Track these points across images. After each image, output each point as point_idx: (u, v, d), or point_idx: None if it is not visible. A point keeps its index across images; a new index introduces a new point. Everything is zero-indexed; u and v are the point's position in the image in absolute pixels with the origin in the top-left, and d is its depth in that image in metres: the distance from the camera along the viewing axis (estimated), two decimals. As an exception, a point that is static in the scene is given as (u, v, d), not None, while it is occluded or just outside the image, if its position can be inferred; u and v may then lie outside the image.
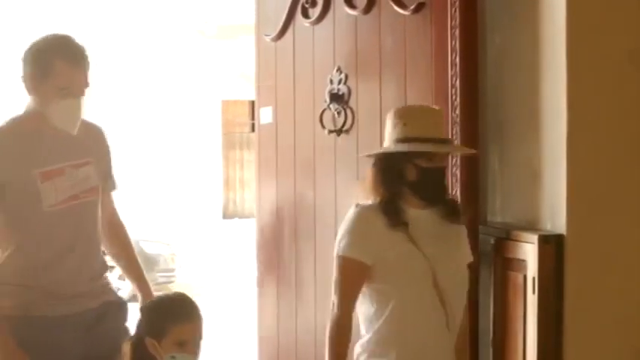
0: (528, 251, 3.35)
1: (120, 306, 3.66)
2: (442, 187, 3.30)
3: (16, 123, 3.51)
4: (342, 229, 3.23)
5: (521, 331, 3.43)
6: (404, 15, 3.98)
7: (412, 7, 3.93)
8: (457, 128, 3.65)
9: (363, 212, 3.23)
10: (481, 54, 3.76)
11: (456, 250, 3.30)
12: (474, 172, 3.68)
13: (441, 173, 3.27)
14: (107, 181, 3.73)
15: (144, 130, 15.69)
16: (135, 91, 15.66)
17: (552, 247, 3.30)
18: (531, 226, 3.49)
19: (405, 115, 3.26)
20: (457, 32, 3.67)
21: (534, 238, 3.32)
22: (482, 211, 3.73)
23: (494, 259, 3.61)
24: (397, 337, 3.18)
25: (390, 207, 3.20)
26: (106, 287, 3.67)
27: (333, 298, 3.22)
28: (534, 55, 3.56)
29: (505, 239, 3.55)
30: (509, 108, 3.73)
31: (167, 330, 3.09)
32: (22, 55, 3.50)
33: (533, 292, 3.32)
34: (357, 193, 3.36)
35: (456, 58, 3.67)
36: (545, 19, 3.51)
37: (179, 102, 16.08)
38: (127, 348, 3.18)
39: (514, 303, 3.49)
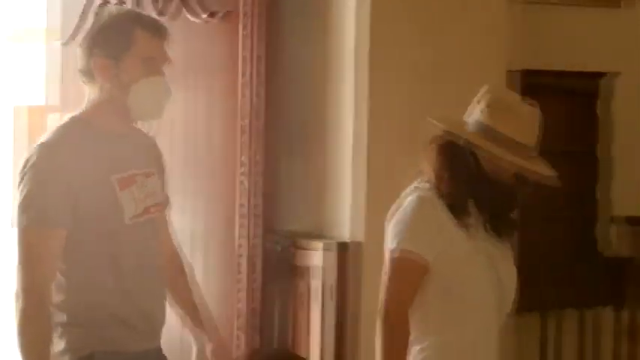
0: (322, 258, 3.42)
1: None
2: (506, 209, 2.74)
3: (84, 121, 2.81)
4: (404, 218, 2.64)
5: (319, 337, 3.47)
6: (197, 23, 3.96)
7: (206, 15, 3.91)
8: (246, 137, 3.66)
9: (427, 200, 2.65)
10: (279, 64, 3.78)
11: (506, 248, 2.79)
12: (271, 180, 3.71)
13: (510, 193, 2.71)
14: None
15: None
16: None
17: (347, 254, 3.36)
18: (322, 234, 3.56)
19: (500, 102, 2.66)
20: (250, 41, 3.69)
21: (332, 245, 3.40)
22: (273, 219, 3.75)
23: (284, 266, 3.65)
24: (462, 349, 2.68)
25: (459, 204, 2.65)
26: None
27: (385, 301, 2.59)
28: (323, 69, 3.63)
29: (296, 247, 3.60)
30: (302, 119, 3.77)
31: None
32: (84, 40, 2.81)
33: (331, 299, 3.37)
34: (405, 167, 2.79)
35: (247, 67, 3.69)
36: (334, 38, 3.59)
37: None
38: None
39: (305, 310, 3.53)
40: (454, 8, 3.75)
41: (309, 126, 3.70)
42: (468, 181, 2.64)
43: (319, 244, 3.46)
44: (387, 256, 2.63)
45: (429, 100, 3.60)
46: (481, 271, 2.66)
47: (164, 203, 2.95)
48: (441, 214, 2.63)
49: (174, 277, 3.05)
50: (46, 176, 2.70)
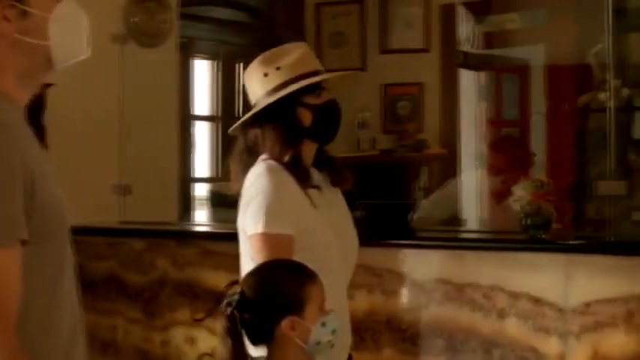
0: None
1: None
2: (339, 122, 2.86)
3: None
4: (260, 196, 2.66)
5: None
6: None
7: None
8: None
9: (279, 174, 2.70)
10: None
11: (345, 210, 2.93)
12: None
13: (334, 104, 2.84)
14: None
15: None
16: None
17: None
18: None
19: (274, 60, 2.79)
20: None
21: None
22: None
23: None
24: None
25: (300, 167, 2.74)
26: None
27: None
28: None
29: None
30: None
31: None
32: None
33: None
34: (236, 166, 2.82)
35: None
36: None
37: None
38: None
39: None
40: None
41: None
42: (303, 133, 2.75)
43: None
44: (250, 239, 2.66)
45: None
46: (329, 238, 2.75)
47: None
48: (290, 184, 2.70)
49: None
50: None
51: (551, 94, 7.48)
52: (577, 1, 7.11)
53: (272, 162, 2.74)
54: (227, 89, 7.13)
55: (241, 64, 7.16)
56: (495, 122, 7.64)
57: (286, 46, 2.89)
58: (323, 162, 2.87)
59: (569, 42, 7.21)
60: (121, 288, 4.79)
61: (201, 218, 6.41)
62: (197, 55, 6.96)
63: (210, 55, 7.11)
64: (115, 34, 5.15)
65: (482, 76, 7.62)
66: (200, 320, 4.36)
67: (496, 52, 7.71)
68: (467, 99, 7.30)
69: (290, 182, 2.72)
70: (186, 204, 6.37)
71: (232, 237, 4.72)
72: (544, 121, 7.51)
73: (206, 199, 6.52)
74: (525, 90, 7.61)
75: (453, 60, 6.99)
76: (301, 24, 7.17)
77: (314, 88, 2.77)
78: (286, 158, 2.73)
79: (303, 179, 2.74)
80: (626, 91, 6.89)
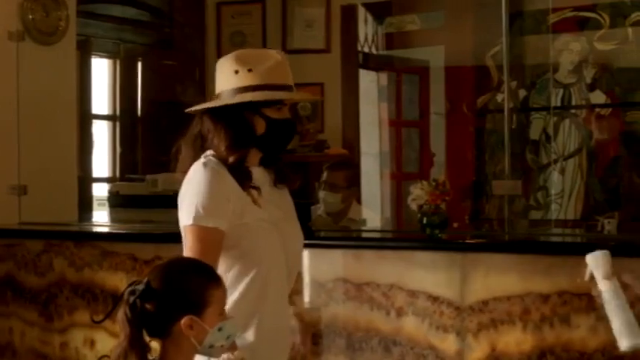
0: None
1: None
2: (289, 142, 2.91)
3: None
4: (194, 190, 2.70)
5: None
6: None
7: None
8: None
9: (216, 170, 2.73)
10: None
11: (292, 210, 2.96)
12: None
13: (291, 125, 2.89)
14: None
15: None
16: None
17: None
18: None
19: (249, 61, 2.81)
20: None
21: None
22: None
23: None
24: (255, 309, 2.75)
25: (241, 168, 2.76)
26: None
27: None
28: None
29: None
30: None
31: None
32: None
33: None
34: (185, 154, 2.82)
35: None
36: None
37: None
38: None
39: None
40: None
41: None
42: (252, 139, 2.77)
43: None
44: (183, 231, 2.71)
45: None
46: (268, 234, 2.77)
47: None
48: (227, 181, 2.72)
49: None
50: None
51: (450, 95, 7.60)
52: (475, 4, 7.25)
53: (213, 159, 2.77)
54: (127, 88, 7.05)
55: (141, 63, 7.10)
56: (395, 122, 7.74)
57: (266, 50, 2.94)
58: (269, 161, 2.90)
59: (468, 44, 7.34)
60: (18, 290, 4.72)
61: (102, 219, 6.33)
62: (96, 53, 6.86)
63: (109, 54, 7.02)
64: (11, 32, 5.08)
65: (383, 76, 7.71)
66: (99, 322, 4.32)
67: (396, 53, 7.80)
68: (367, 99, 7.37)
69: (228, 179, 2.75)
70: (86, 204, 6.27)
71: (131, 238, 4.74)
72: (443, 121, 7.63)
73: (105, 200, 6.44)
74: (425, 91, 7.71)
75: (354, 61, 7.03)
76: (202, 23, 7.14)
77: (275, 102, 2.81)
78: (230, 159, 2.76)
79: (243, 181, 2.77)
80: (522, 93, 7.06)
